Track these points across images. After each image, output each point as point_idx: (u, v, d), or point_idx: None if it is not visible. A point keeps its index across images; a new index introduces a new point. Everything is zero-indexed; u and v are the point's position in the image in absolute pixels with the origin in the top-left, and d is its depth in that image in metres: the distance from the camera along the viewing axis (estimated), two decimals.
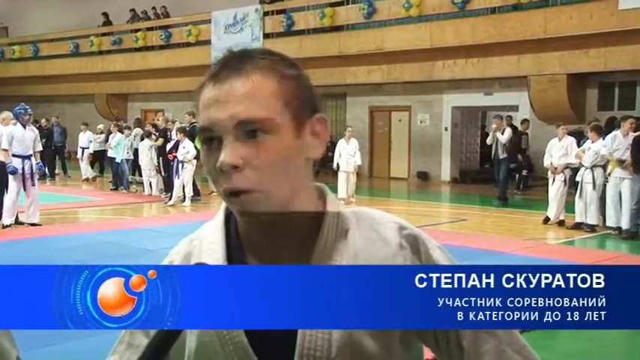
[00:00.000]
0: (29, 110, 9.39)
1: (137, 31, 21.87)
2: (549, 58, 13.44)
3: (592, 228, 9.34)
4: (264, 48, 0.99)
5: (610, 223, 9.06)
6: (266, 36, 18.01)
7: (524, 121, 14.22)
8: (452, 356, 0.98)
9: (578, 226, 9.38)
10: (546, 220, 9.97)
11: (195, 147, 12.47)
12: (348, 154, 12.01)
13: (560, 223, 9.86)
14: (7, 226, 9.15)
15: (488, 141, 12.59)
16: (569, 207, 9.71)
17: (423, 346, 1.02)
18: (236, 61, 0.94)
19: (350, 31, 16.61)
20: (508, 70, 14.18)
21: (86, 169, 17.00)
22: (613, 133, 9.19)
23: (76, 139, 21.26)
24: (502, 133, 11.93)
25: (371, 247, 0.98)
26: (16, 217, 9.42)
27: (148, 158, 13.28)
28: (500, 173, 12.16)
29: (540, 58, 13.57)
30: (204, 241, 1.04)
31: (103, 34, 23.08)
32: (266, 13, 18.18)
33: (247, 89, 0.91)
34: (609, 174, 9.03)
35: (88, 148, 16.65)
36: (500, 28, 13.66)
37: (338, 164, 12.12)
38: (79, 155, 17.11)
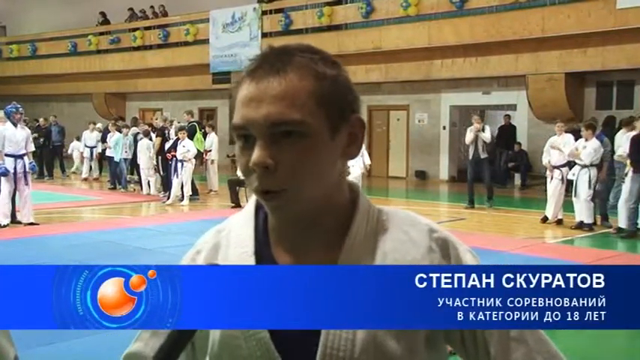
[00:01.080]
0: (20, 109, 9.29)
1: (135, 30, 21.85)
2: (547, 57, 13.46)
3: (590, 227, 9.35)
4: (304, 44, 0.97)
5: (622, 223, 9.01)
6: (264, 35, 18.00)
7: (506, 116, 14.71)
8: None
9: (580, 226, 9.38)
10: (544, 219, 9.98)
11: (196, 146, 12.49)
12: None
13: (559, 222, 9.86)
14: (3, 225, 9.13)
15: (468, 140, 11.39)
16: (568, 206, 9.71)
17: (447, 349, 1.01)
18: (274, 59, 0.92)
19: (348, 30, 16.61)
20: (506, 69, 14.19)
21: (90, 168, 16.98)
22: (628, 133, 9.26)
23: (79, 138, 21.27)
24: (482, 131, 11.32)
25: (400, 248, 0.97)
26: (14, 217, 9.40)
27: (146, 157, 13.26)
28: (487, 174, 11.51)
29: (538, 57, 13.59)
30: (232, 232, 1.03)
31: (101, 33, 23.05)
32: (264, 12, 18.18)
33: (283, 89, 0.90)
34: (626, 174, 9.01)
35: (95, 147, 16.57)
36: (499, 27, 13.67)
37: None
38: (85, 154, 17.03)
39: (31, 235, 8.76)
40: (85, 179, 16.71)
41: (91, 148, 16.71)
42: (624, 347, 4.62)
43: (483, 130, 11.21)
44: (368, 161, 11.98)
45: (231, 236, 1.03)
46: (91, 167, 17.07)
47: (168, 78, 20.45)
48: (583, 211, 9.37)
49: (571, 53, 13.11)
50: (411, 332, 0.93)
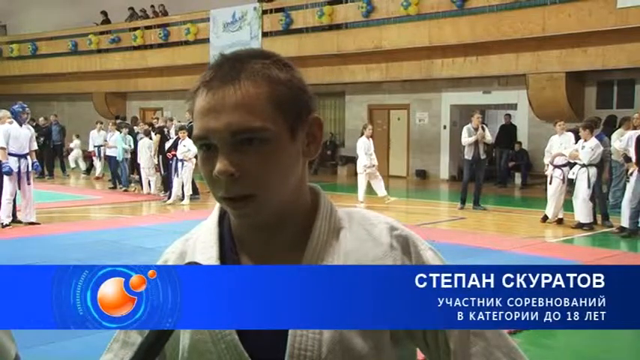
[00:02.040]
0: (27, 109, 9.35)
1: (136, 29, 21.84)
2: (548, 56, 13.45)
3: (590, 226, 9.35)
4: (256, 50, 0.99)
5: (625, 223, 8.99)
6: (264, 34, 17.99)
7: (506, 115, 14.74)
8: (440, 357, 0.98)
9: (581, 226, 9.37)
10: (545, 218, 9.98)
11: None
12: (370, 153, 11.47)
13: (559, 222, 9.86)
14: (6, 225, 9.14)
15: (469, 141, 10.86)
16: (569, 205, 9.71)
17: (416, 347, 1.02)
18: (228, 68, 0.94)
19: (349, 29, 16.60)
20: (507, 69, 14.18)
21: (92, 167, 17.02)
22: (630, 132, 9.28)
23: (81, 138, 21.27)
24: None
25: (362, 247, 0.99)
26: (15, 216, 9.41)
27: (147, 157, 13.25)
28: (482, 175, 11.21)
29: (539, 57, 13.58)
30: (198, 240, 1.05)
31: (102, 33, 23.04)
32: (264, 12, 18.16)
33: (240, 98, 0.91)
34: (631, 173, 9.01)
35: (102, 146, 16.59)
36: (499, 27, 13.65)
37: (356, 163, 11.63)
38: (95, 153, 17.06)
39: (33, 234, 8.78)
40: (97, 178, 16.73)
41: (98, 147, 16.73)
42: (626, 345, 4.62)
43: (483, 129, 11.01)
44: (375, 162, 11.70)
45: (197, 243, 1.05)
46: (93, 166, 17.12)
47: (168, 77, 20.44)
48: (581, 210, 9.37)
49: (572, 52, 13.10)
50: (376, 331, 0.95)
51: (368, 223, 1.02)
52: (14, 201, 9.35)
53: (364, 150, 11.46)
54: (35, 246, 8.04)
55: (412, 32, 14.97)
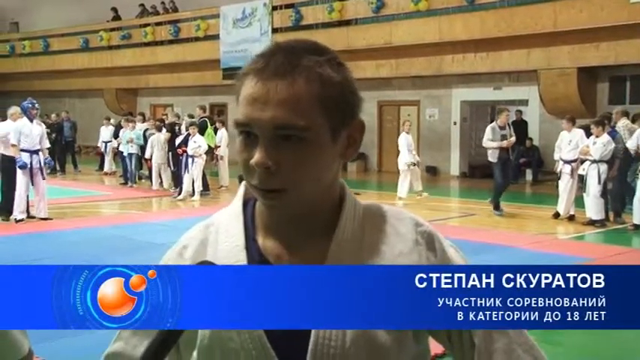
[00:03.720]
0: (36, 105, 9.42)
1: (146, 25, 21.92)
2: (559, 51, 13.35)
3: (602, 223, 9.29)
4: (311, 43, 0.97)
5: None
6: (274, 30, 17.99)
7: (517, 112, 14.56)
8: (464, 353, 0.99)
9: (593, 223, 9.32)
10: (556, 214, 9.92)
11: (207, 141, 12.51)
12: (411, 148, 11.43)
13: (571, 218, 9.80)
14: (19, 220, 9.23)
15: (492, 145, 10.07)
16: (581, 202, 9.65)
17: (429, 341, 1.04)
18: (281, 60, 0.92)
19: (358, 25, 16.56)
20: (518, 64, 14.09)
21: (109, 163, 17.12)
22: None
23: (87, 134, 21.43)
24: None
25: (387, 242, 1.00)
26: (28, 212, 9.50)
27: (161, 152, 13.23)
28: (510, 177, 10.73)
29: (550, 52, 13.48)
30: (220, 227, 1.04)
31: (112, 29, 23.14)
32: (274, 8, 18.16)
33: (289, 94, 0.90)
34: None
35: (111, 141, 16.70)
36: (510, 22, 13.57)
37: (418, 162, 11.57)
38: (102, 149, 17.16)
39: (45, 229, 8.85)
40: (107, 174, 16.83)
41: (106, 143, 16.83)
42: (632, 342, 4.59)
43: (509, 127, 10.38)
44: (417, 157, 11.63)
45: (220, 231, 1.03)
46: (104, 162, 17.22)
47: (178, 73, 20.50)
48: (592, 207, 9.31)
49: (583, 48, 12.99)
50: None
51: (393, 218, 1.03)
52: (27, 197, 9.45)
53: (406, 146, 11.37)
54: (48, 241, 8.11)
55: (422, 28, 14.91)
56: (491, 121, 18.04)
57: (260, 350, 0.95)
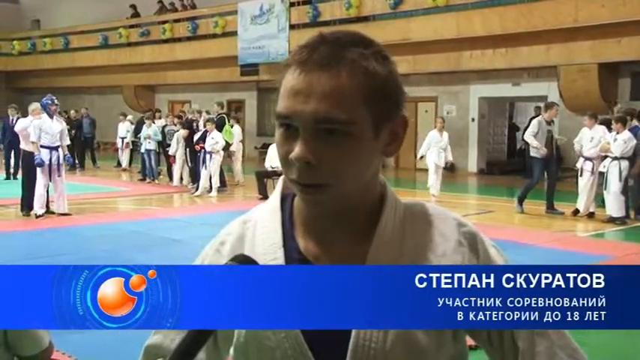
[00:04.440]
0: (55, 101, 9.51)
1: (164, 22, 22.05)
2: (580, 47, 13.19)
3: (622, 220, 9.18)
4: (356, 35, 0.94)
5: None
6: (292, 27, 18.00)
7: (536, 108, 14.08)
8: (504, 354, 0.98)
9: (613, 220, 9.21)
10: (575, 212, 9.83)
11: (225, 138, 12.55)
12: (440, 148, 11.24)
13: (590, 216, 9.70)
14: (39, 216, 9.36)
15: (536, 144, 9.69)
16: (600, 199, 9.54)
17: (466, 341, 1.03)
18: (326, 51, 0.90)
19: (376, 21, 16.51)
20: (537, 60, 13.95)
21: (124, 159, 17.30)
22: None
23: (106, 131, 21.64)
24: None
25: (429, 242, 0.98)
26: (48, 207, 9.63)
27: (182, 149, 13.27)
28: (556, 175, 10.36)
29: (570, 48, 13.33)
30: (258, 224, 1.03)
31: (131, 26, 23.32)
32: (292, 4, 18.17)
33: (332, 87, 0.88)
34: None
35: (126, 137, 16.87)
36: (529, 17, 13.44)
37: (422, 156, 11.43)
38: (118, 145, 17.34)
39: (65, 225, 8.96)
40: (124, 170, 16.99)
41: (122, 139, 17.00)
42: None
43: (552, 123, 9.87)
44: (450, 157, 11.44)
45: (257, 227, 1.02)
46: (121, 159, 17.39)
47: (196, 70, 20.61)
48: (613, 204, 9.21)
49: (604, 43, 12.82)
50: None
51: (436, 217, 1.01)
52: (47, 192, 9.57)
53: (435, 145, 11.30)
54: (67, 237, 8.21)
55: (440, 24, 14.82)
56: (510, 118, 18.07)
57: (296, 349, 0.94)
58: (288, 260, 0.97)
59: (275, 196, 1.04)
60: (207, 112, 13.82)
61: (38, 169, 9.28)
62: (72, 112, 18.54)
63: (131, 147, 16.93)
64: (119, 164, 17.78)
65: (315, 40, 0.92)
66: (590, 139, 9.66)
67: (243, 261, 0.86)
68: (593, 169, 9.61)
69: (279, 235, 0.99)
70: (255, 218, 1.04)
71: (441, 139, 11.33)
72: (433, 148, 11.28)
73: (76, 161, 16.72)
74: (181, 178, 13.64)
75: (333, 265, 0.95)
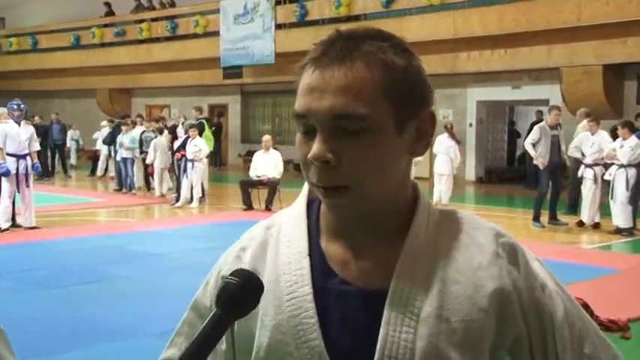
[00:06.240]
0: (21, 106, 9.38)
1: (142, 21, 22.01)
2: (583, 47, 13.31)
3: (630, 231, 9.24)
4: (374, 29, 0.96)
5: None
6: (278, 27, 18.04)
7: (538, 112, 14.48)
8: None
9: (620, 231, 9.27)
10: (580, 223, 9.88)
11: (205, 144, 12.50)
12: (444, 153, 11.48)
13: (596, 226, 9.76)
14: (4, 229, 9.23)
15: (533, 153, 9.84)
16: (607, 209, 9.58)
17: None
18: (340, 46, 0.92)
19: (368, 20, 16.56)
20: (538, 62, 14.06)
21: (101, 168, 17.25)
22: None
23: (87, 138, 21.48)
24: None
25: (464, 252, 0.97)
26: (14, 220, 9.50)
27: (164, 156, 13.14)
28: (561, 185, 10.24)
29: (573, 48, 13.44)
30: (282, 230, 1.03)
31: (106, 25, 23.26)
32: (278, 3, 18.21)
33: (348, 81, 0.89)
34: None
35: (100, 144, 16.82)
36: (529, 16, 13.55)
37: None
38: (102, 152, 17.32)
39: (33, 239, 8.86)
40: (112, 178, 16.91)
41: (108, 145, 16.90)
42: None
43: (560, 127, 9.90)
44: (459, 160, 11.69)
45: (281, 234, 1.02)
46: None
47: (176, 72, 20.56)
48: (619, 214, 9.27)
49: (609, 43, 12.95)
50: (476, 344, 0.93)
51: (470, 226, 1.00)
52: (13, 204, 9.45)
53: (442, 150, 11.53)
54: (37, 250, 8.12)
55: (435, 23, 14.91)
56: (510, 123, 18.18)
57: None
58: (313, 270, 0.97)
59: (300, 201, 1.04)
60: (185, 118, 13.74)
61: (3, 179, 9.17)
62: (36, 118, 18.24)
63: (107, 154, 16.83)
64: (93, 172, 17.67)
65: (330, 36, 0.94)
66: (591, 144, 9.71)
67: (247, 280, 0.84)
68: (594, 176, 9.65)
69: (305, 242, 0.99)
70: (279, 224, 1.04)
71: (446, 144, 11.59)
72: (438, 154, 11.54)
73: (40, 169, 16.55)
74: (161, 187, 13.52)
75: (360, 274, 0.95)
